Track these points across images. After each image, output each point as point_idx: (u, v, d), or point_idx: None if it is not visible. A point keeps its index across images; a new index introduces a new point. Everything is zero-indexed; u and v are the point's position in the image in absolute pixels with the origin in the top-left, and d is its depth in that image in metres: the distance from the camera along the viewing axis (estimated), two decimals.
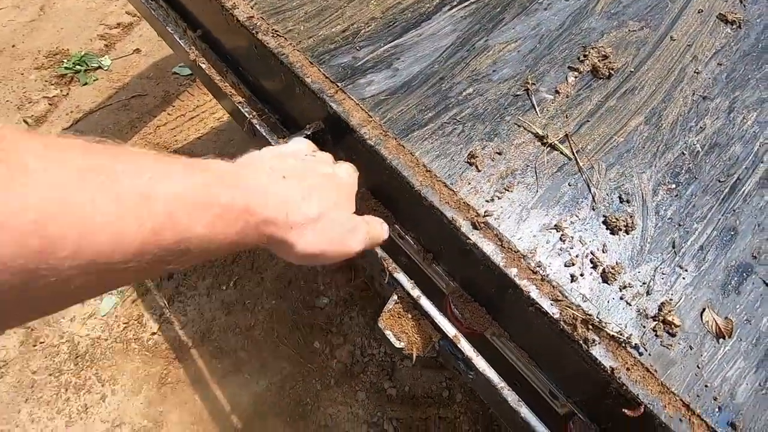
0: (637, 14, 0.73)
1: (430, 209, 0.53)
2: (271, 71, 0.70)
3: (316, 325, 1.50)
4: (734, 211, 0.54)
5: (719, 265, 0.50)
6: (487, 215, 0.51)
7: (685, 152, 0.58)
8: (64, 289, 0.25)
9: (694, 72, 0.66)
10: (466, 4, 0.72)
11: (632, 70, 0.66)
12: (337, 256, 0.44)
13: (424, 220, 0.56)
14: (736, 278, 0.49)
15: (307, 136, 0.65)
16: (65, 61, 2.13)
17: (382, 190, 0.63)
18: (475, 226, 0.51)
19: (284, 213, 0.39)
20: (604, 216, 0.52)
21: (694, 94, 0.63)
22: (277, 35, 0.66)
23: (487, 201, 0.53)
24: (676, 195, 0.54)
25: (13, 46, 2.20)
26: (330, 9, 0.70)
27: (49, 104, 2.00)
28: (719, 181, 0.56)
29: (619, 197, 0.54)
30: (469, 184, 0.54)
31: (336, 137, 0.65)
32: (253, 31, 0.67)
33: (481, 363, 0.49)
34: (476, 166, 0.55)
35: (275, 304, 1.53)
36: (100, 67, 2.14)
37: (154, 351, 1.45)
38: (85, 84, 2.08)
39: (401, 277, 0.54)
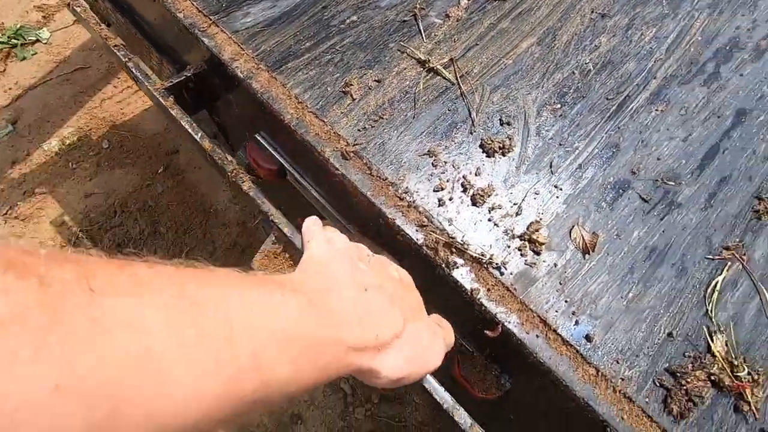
0: None
1: (303, 142, 0.50)
2: (153, 11, 0.65)
3: None
4: (619, 128, 0.51)
5: (596, 182, 0.48)
6: (356, 144, 0.49)
7: (575, 72, 0.55)
8: None
9: None
10: None
11: None
12: (419, 377, 0.39)
13: (301, 153, 0.54)
14: (612, 194, 0.47)
15: (188, 78, 0.61)
16: (0, 35, 2.01)
17: (266, 126, 0.60)
18: (344, 156, 0.48)
19: (374, 335, 0.33)
20: (481, 139, 0.50)
21: (592, 12, 0.60)
22: None
23: (359, 130, 0.50)
24: (561, 115, 0.52)
25: None
26: None
27: None
28: (607, 98, 0.53)
29: (500, 120, 0.51)
30: (342, 113, 0.51)
31: (219, 78, 0.61)
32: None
33: None
34: (351, 95, 0.52)
35: None
36: (38, 41, 2.03)
37: None
38: (23, 59, 1.98)
39: (276, 213, 0.51)
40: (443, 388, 0.42)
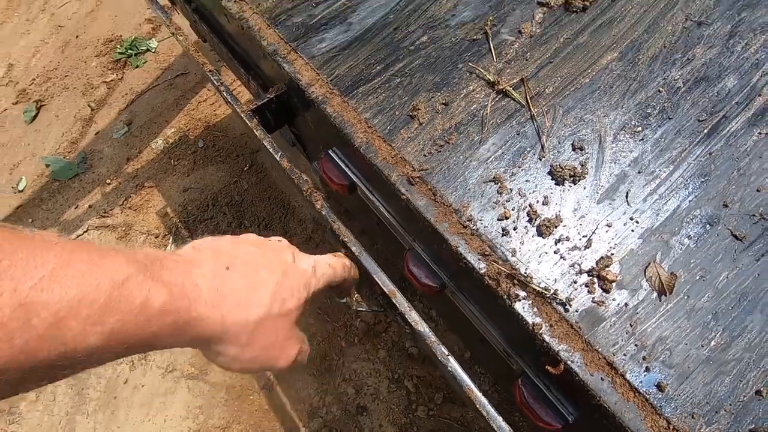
0: None
1: (372, 166, 0.52)
2: (241, 36, 0.71)
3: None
4: (711, 154, 0.47)
5: (679, 215, 0.44)
6: (422, 170, 0.50)
7: (662, 90, 0.51)
8: None
9: None
10: None
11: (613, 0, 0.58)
12: (262, 368, 0.39)
13: (370, 172, 0.56)
14: (697, 230, 0.43)
15: (270, 100, 0.67)
16: (119, 46, 2.30)
17: (339, 144, 0.63)
18: (410, 182, 0.50)
19: (218, 312, 0.33)
20: (550, 166, 0.48)
21: (687, 20, 0.55)
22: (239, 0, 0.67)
23: (425, 155, 0.51)
24: (642, 138, 0.48)
25: (77, 36, 2.42)
26: None
27: (108, 89, 2.20)
28: (699, 120, 0.49)
29: (572, 145, 0.49)
30: (409, 138, 0.52)
31: (297, 99, 0.66)
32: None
33: (414, 317, 0.49)
34: (418, 119, 0.53)
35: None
36: (148, 50, 2.30)
37: None
38: (137, 67, 2.25)
39: (345, 232, 0.55)
40: (501, 418, 0.42)
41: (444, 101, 0.54)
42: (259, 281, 0.37)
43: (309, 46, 0.61)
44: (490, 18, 0.59)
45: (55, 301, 0.25)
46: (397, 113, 0.54)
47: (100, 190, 1.92)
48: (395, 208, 0.58)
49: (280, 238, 0.45)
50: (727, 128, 0.48)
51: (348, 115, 0.55)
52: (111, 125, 2.09)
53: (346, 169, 0.65)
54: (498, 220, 0.46)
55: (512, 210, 0.47)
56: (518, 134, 0.51)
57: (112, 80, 2.21)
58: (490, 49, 0.56)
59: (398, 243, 0.63)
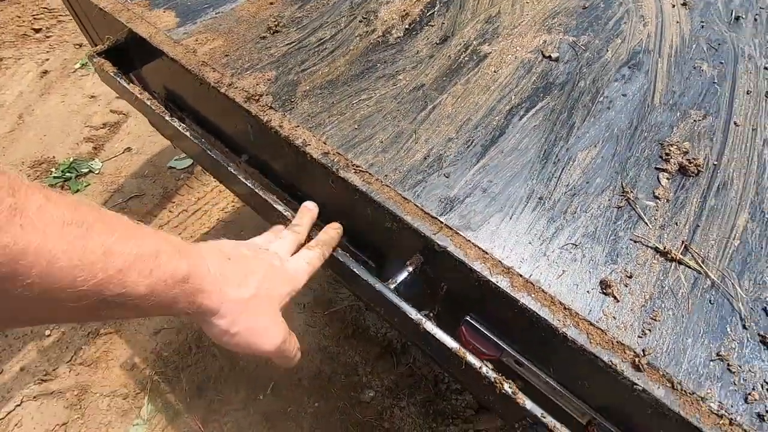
0: (694, 102, 0.75)
1: (581, 351, 0.49)
2: (354, 207, 0.67)
3: (367, 422, 1.40)
4: None
5: None
6: (647, 353, 0.48)
7: None
8: (18, 307, 0.33)
9: None
10: (533, 112, 0.73)
11: (715, 163, 0.67)
12: (246, 348, 0.48)
13: (569, 361, 0.53)
14: None
15: (410, 273, 0.62)
16: (53, 170, 2.04)
17: (508, 328, 0.60)
18: (637, 368, 0.48)
19: (218, 287, 0.45)
20: (759, 335, 0.50)
21: None
22: (360, 171, 0.64)
23: (639, 337, 0.50)
24: None
25: None
26: (404, 134, 0.69)
27: None
28: None
29: (764, 309, 0.52)
30: (614, 318, 0.51)
31: (439, 270, 0.62)
32: (333, 169, 0.64)
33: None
34: (613, 296, 0.53)
35: (318, 406, 1.42)
36: (90, 171, 2.07)
37: None
38: (77, 191, 1.99)
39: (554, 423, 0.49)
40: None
41: (627, 274, 0.55)
42: (250, 271, 0.49)
43: (460, 221, 0.59)
44: (624, 183, 0.63)
45: (125, 254, 0.36)
46: (589, 291, 0.53)
47: (36, 346, 1.56)
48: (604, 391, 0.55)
49: (265, 239, 0.62)
50: None
51: (538, 296, 0.52)
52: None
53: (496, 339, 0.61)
54: (746, 402, 0.46)
55: (753, 390, 0.47)
56: (711, 303, 0.53)
57: None
58: (640, 216, 0.60)
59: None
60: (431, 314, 0.69)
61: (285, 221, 0.68)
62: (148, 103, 0.80)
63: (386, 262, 0.74)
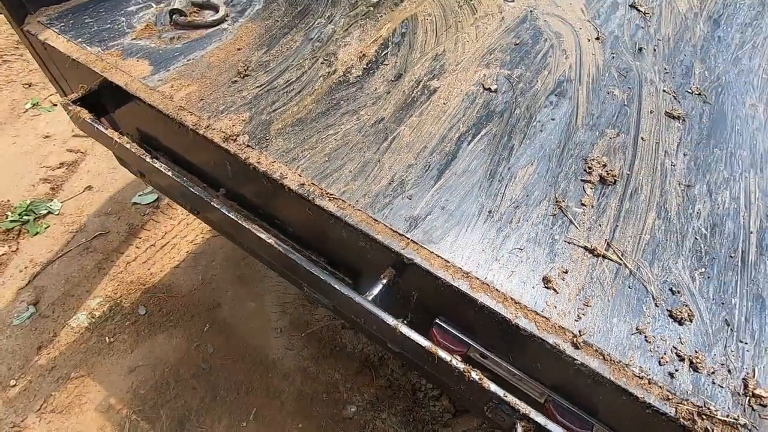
0: (609, 122, 0.90)
1: (531, 338, 0.60)
2: (329, 230, 0.75)
3: None
4: (754, 280, 0.67)
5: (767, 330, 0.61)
6: (582, 334, 0.59)
7: (697, 237, 0.71)
8: None
9: (671, 165, 0.82)
10: (478, 138, 0.84)
11: (628, 172, 0.80)
12: None
13: (523, 348, 0.63)
14: None
15: (384, 285, 0.70)
16: (9, 213, 1.98)
17: (473, 324, 0.69)
18: (576, 346, 0.58)
19: None
20: (667, 311, 0.62)
21: (679, 184, 0.79)
22: (333, 198, 0.73)
23: (575, 320, 0.61)
24: (708, 276, 0.67)
25: None
26: (370, 163, 0.78)
27: None
28: (731, 256, 0.69)
29: (671, 290, 0.65)
30: (555, 307, 0.62)
31: (409, 280, 0.71)
32: (310, 198, 0.73)
33: None
34: (553, 289, 0.63)
35: (302, 427, 1.45)
36: (50, 213, 2.02)
37: None
38: (36, 234, 1.95)
39: (525, 406, 0.59)
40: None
41: (563, 269, 0.66)
42: None
43: (424, 235, 0.69)
44: (557, 195, 0.75)
45: None
46: (534, 286, 0.64)
47: (0, 398, 1.51)
48: (552, 371, 0.65)
49: None
50: (749, 259, 0.69)
51: (493, 294, 0.62)
52: (7, 309, 1.71)
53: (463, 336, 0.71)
54: (660, 365, 0.57)
55: (665, 354, 0.58)
56: (630, 288, 0.65)
57: (3, 254, 1.85)
58: (571, 221, 0.72)
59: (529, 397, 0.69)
60: (405, 321, 0.78)
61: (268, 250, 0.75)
62: (128, 146, 0.85)
63: (361, 278, 0.82)
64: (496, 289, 0.63)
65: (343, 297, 0.69)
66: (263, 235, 0.75)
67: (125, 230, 1.98)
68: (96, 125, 0.89)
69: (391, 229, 0.69)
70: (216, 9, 1.08)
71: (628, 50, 1.09)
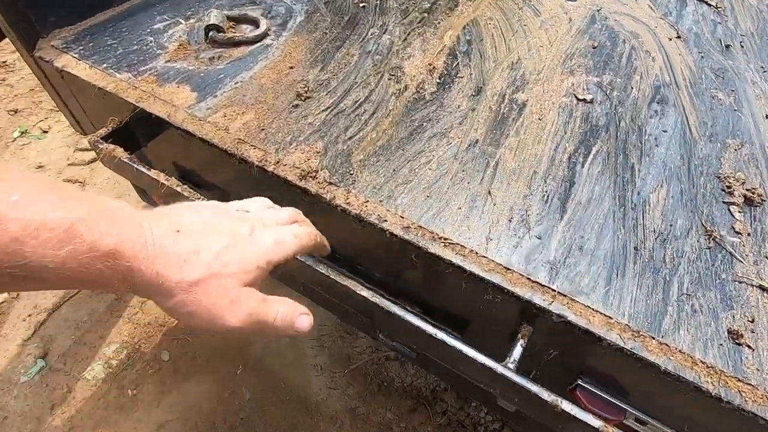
0: (726, 131, 0.79)
1: (739, 412, 0.48)
2: (442, 280, 0.63)
3: None
4: None
5: None
6: None
7: None
8: None
9: None
10: (591, 158, 0.73)
11: None
12: (207, 325, 0.40)
13: (715, 420, 0.51)
14: None
15: (523, 347, 0.58)
16: None
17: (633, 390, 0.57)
18: None
19: (155, 270, 0.37)
20: None
21: None
22: (450, 243, 0.60)
23: None
24: None
25: None
26: (479, 197, 0.66)
27: None
28: None
29: None
30: (758, 369, 0.50)
31: (551, 339, 0.59)
32: (420, 245, 0.60)
33: None
34: (747, 345, 0.52)
35: None
36: None
37: None
38: None
39: None
40: None
41: (749, 318, 0.55)
42: (204, 245, 0.40)
43: (572, 285, 0.57)
44: (704, 221, 0.64)
45: (24, 219, 0.31)
46: (722, 344, 0.52)
47: None
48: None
49: (254, 204, 0.53)
50: None
51: (678, 358, 0.51)
52: (13, 365, 1.53)
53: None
54: None
55: None
56: None
57: (3, 301, 1.67)
58: (732, 254, 0.61)
59: None
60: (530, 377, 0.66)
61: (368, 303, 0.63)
62: (179, 189, 0.72)
63: (468, 329, 0.70)
64: (680, 351, 0.51)
65: (476, 365, 0.56)
66: (366, 293, 0.62)
67: None
68: (135, 165, 0.75)
69: (529, 279, 0.57)
70: (256, 23, 0.95)
71: (715, 48, 0.99)
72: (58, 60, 0.84)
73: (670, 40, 1.00)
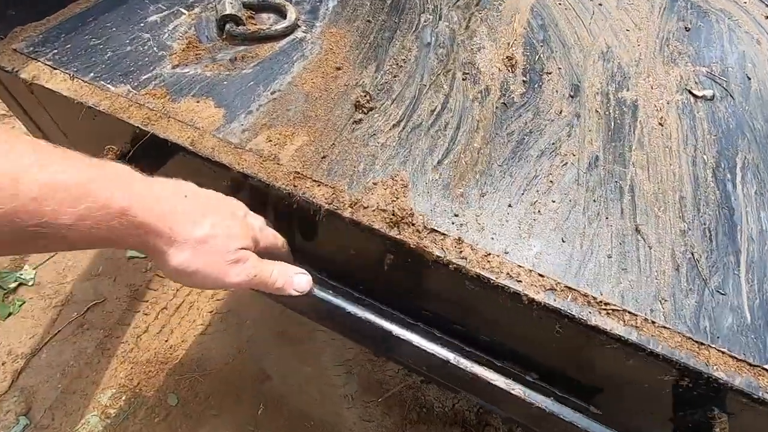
0: None
1: None
2: (596, 357, 0.47)
3: None
4: None
5: None
6: None
7: None
8: None
9: None
10: (738, 172, 0.59)
11: None
12: (211, 282, 0.43)
13: None
14: None
15: None
16: None
17: None
18: None
19: (168, 225, 0.40)
20: None
21: None
22: (614, 311, 0.45)
23: None
24: None
25: None
26: (627, 237, 0.51)
27: None
28: None
29: None
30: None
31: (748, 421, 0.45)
32: (576, 314, 0.44)
33: None
34: None
35: None
36: (22, 284, 1.59)
37: None
38: (9, 315, 1.52)
39: None
40: None
41: None
42: (209, 211, 0.44)
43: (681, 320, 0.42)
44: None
45: (41, 180, 0.33)
46: None
47: None
48: None
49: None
50: None
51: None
52: None
53: None
54: None
55: None
56: None
57: None
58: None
59: None
60: None
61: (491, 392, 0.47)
62: None
63: (611, 404, 0.55)
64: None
65: None
66: (502, 383, 0.46)
67: (126, 294, 1.59)
68: None
69: (731, 356, 0.42)
70: (281, 11, 0.75)
71: None
72: (24, 70, 0.62)
73: (767, 18, 0.86)
